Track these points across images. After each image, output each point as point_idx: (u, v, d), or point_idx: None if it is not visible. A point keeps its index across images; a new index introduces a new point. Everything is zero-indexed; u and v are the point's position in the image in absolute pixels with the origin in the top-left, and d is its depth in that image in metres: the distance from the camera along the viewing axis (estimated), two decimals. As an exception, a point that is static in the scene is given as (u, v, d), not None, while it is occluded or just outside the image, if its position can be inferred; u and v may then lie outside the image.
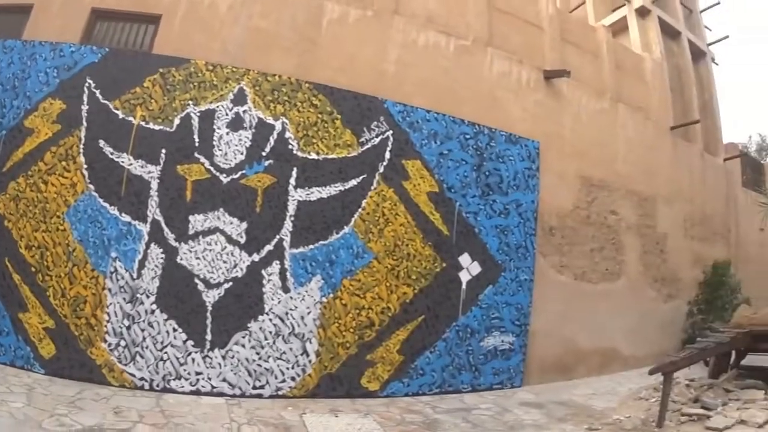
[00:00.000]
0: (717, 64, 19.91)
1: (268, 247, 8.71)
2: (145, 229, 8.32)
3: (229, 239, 8.52)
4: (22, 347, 8.05)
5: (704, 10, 20.42)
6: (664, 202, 14.58)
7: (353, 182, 9.25)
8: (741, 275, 16.43)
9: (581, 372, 11.88)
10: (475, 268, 10.12)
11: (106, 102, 8.54)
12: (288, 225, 8.82)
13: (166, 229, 8.35)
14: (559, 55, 12.59)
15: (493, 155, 10.61)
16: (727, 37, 20.16)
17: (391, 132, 9.60)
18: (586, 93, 12.98)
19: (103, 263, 8.25)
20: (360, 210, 9.25)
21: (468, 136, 10.36)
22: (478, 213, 10.29)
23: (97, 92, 8.57)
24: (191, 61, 8.80)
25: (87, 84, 8.59)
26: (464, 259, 10.02)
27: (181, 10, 9.40)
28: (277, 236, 8.76)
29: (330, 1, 10.09)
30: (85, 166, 8.44)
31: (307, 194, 8.97)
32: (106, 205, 8.35)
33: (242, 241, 8.59)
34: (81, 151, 8.47)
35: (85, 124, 8.52)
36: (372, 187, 9.35)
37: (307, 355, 8.75)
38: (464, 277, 10.00)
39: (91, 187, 8.38)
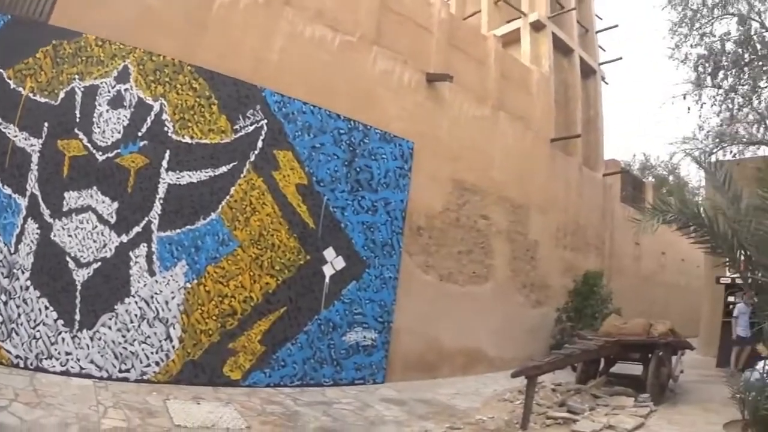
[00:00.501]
0: (607, 83, 20.78)
1: (137, 229, 8.56)
2: (23, 203, 8.00)
3: (101, 218, 8.31)
4: None
5: (601, 31, 21.22)
6: (538, 211, 15.09)
7: (224, 169, 9.18)
8: (614, 286, 17.09)
9: (445, 371, 12.14)
10: (340, 263, 10.22)
11: (0, 70, 8.28)
12: (157, 207, 8.68)
13: (42, 205, 8.07)
14: (444, 59, 12.83)
15: (366, 152, 10.74)
16: (620, 58, 21.08)
17: (265, 121, 9.58)
18: (468, 98, 13.30)
19: None
20: (228, 197, 9.20)
21: (342, 131, 10.46)
22: (345, 208, 10.39)
23: None
24: (82, 35, 8.53)
25: None
26: (329, 253, 10.11)
27: None
28: (146, 218, 8.60)
29: None
30: None
31: (178, 178, 8.84)
32: None
33: (112, 221, 8.39)
34: None
35: None
36: (242, 175, 9.31)
37: (171, 341, 8.64)
38: (328, 271, 10.09)
39: None
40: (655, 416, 9.37)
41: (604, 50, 21.32)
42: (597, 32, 21.10)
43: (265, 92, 9.65)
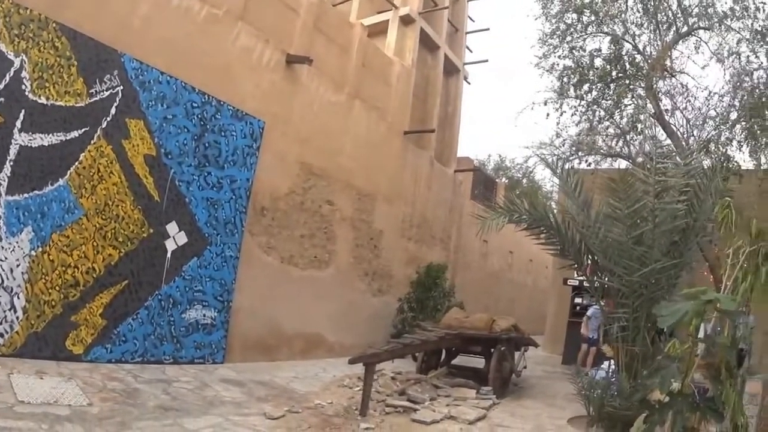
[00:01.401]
0: (469, 83, 21.46)
1: None
2: None
3: None
4: None
5: (471, 32, 21.96)
6: (384, 201, 15.51)
7: (75, 134, 8.88)
8: (460, 281, 17.78)
9: (285, 354, 12.34)
10: (182, 238, 10.18)
11: None
12: (7, 170, 8.26)
13: None
14: (307, 42, 12.94)
15: (216, 128, 10.71)
16: (486, 60, 21.97)
17: (121, 88, 9.36)
18: (325, 83, 13.47)
19: None
20: (77, 163, 8.91)
21: (195, 105, 10.36)
22: (191, 183, 10.33)
23: None
24: None
25: None
26: (172, 227, 10.04)
27: None
28: None
29: None
30: None
31: (30, 140, 8.45)
32: None
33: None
34: None
35: None
36: (92, 142, 9.05)
37: (15, 311, 8.31)
38: (170, 245, 10.03)
39: None
40: (498, 409, 9.84)
41: (471, 51, 22.15)
42: (467, 33, 21.78)
43: (125, 58, 9.41)
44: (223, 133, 10.84)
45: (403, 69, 16.50)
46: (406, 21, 17.67)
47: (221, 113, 10.80)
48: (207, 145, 10.58)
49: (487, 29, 21.96)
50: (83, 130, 8.97)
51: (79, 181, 8.93)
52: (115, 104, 9.32)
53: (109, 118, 9.24)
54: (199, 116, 10.44)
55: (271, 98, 12.00)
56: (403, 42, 17.43)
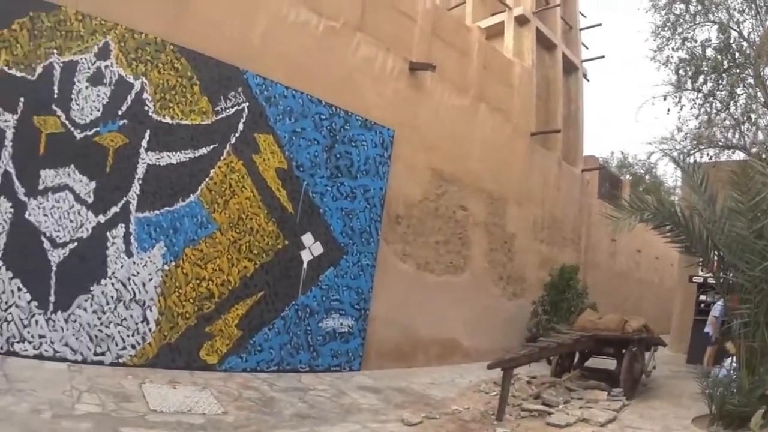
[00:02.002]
0: (588, 80, 20.76)
1: (115, 209, 8.36)
2: None
3: (78, 198, 8.10)
4: None
5: (585, 29, 21.27)
6: (515, 203, 15.09)
7: (204, 150, 9.03)
8: (590, 281, 17.18)
9: (421, 360, 12.12)
10: (318, 249, 10.15)
11: None
12: (136, 188, 8.48)
13: (17, 183, 7.84)
14: (427, 49, 12.75)
15: (346, 138, 10.66)
16: (603, 56, 21.14)
17: (247, 104, 9.45)
18: (449, 89, 13.22)
19: None
20: (207, 179, 9.05)
21: (323, 117, 10.35)
22: (324, 194, 10.31)
23: None
24: (62, 8, 8.29)
25: None
26: (307, 238, 10.03)
27: None
28: (124, 198, 8.41)
29: None
30: None
31: (158, 158, 8.66)
32: None
33: (90, 200, 8.18)
34: None
35: None
36: (221, 158, 9.18)
37: (148, 323, 8.48)
38: (306, 256, 10.01)
39: None
40: (627, 410, 9.40)
41: (587, 48, 21.39)
42: (581, 30, 21.11)
43: (247, 75, 9.50)
44: (353, 144, 10.78)
45: (524, 70, 16.07)
46: (521, 21, 17.26)
47: (350, 124, 10.75)
48: (338, 156, 10.56)
49: (600, 24, 21.29)
50: (212, 146, 9.12)
51: (211, 197, 9.06)
52: (242, 120, 9.42)
53: (237, 134, 9.35)
54: (328, 128, 10.42)
55: (397, 106, 11.86)
56: (520, 43, 17.01)
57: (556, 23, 18.95)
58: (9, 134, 7.78)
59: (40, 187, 7.92)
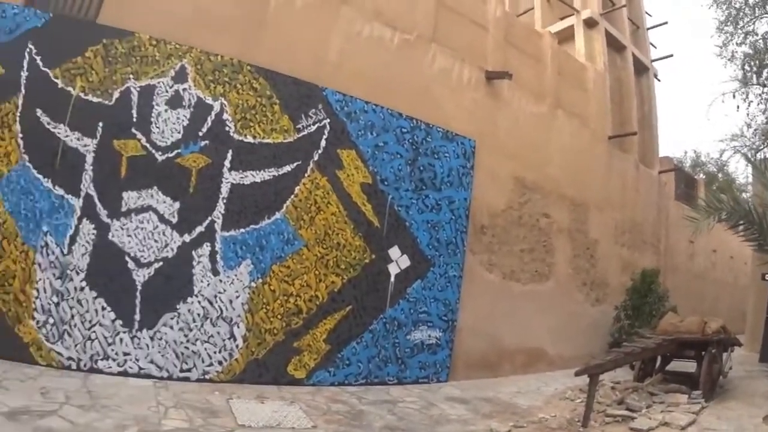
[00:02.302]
0: (659, 80, 20.33)
1: (200, 229, 8.47)
2: (77, 203, 7.92)
3: (162, 218, 8.24)
4: (-62, 323, 7.68)
5: (651, 28, 20.82)
6: (596, 209, 14.81)
7: (287, 168, 9.08)
8: (669, 284, 16.74)
9: (507, 370, 11.96)
10: (405, 262, 10.07)
11: (46, 70, 8.09)
12: (220, 207, 8.59)
13: (99, 205, 8.00)
14: (502, 57, 12.62)
15: (429, 151, 10.57)
16: (671, 55, 20.83)
17: (328, 120, 9.46)
18: (526, 96, 13.06)
19: (33, 237, 7.80)
20: (292, 196, 9.09)
21: (405, 130, 10.29)
22: (410, 207, 10.24)
23: (38, 59, 8.12)
24: (135, 35, 8.47)
25: (28, 49, 8.09)
26: (394, 251, 9.96)
27: None
28: (209, 218, 8.53)
29: None
30: (21, 135, 7.92)
31: (241, 177, 8.75)
32: (40, 176, 7.87)
33: (174, 221, 8.31)
34: (17, 119, 7.96)
35: (23, 91, 7.99)
36: (306, 175, 9.21)
37: (235, 340, 8.56)
38: (393, 269, 9.94)
39: (26, 157, 7.91)
40: (706, 412, 9.26)
41: (655, 47, 20.97)
42: (647, 29, 20.70)
43: (326, 91, 9.52)
44: (436, 156, 10.69)
45: (597, 73, 15.77)
46: (590, 24, 17.00)
47: (431, 136, 10.66)
48: (422, 168, 10.47)
49: (666, 23, 20.78)
50: (295, 164, 9.16)
51: (297, 214, 9.10)
52: (324, 137, 9.45)
53: (320, 151, 9.39)
54: (410, 141, 10.36)
55: (476, 116, 11.76)
56: (591, 46, 16.73)
57: (624, 24, 18.65)
58: (89, 158, 7.99)
59: (123, 209, 8.09)
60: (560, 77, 14.24)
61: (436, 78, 11.18)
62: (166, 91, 8.44)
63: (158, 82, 8.41)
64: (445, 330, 10.59)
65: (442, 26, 11.56)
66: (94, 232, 7.94)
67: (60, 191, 7.85)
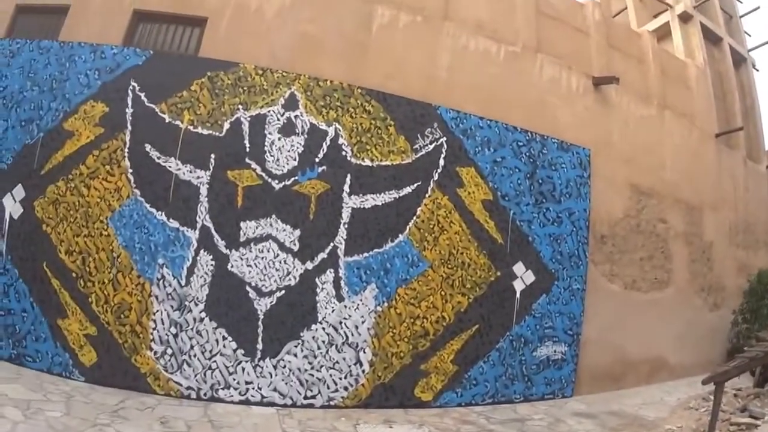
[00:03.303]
0: (758, 70, 19.27)
1: (322, 255, 8.35)
2: (194, 235, 7.96)
3: (282, 246, 8.13)
4: (61, 354, 7.73)
5: (744, 15, 19.76)
6: (710, 210, 14.08)
7: (408, 189, 8.85)
8: (786, 284, 15.78)
9: (630, 381, 11.43)
10: (529, 277, 9.66)
11: (151, 105, 8.21)
12: (342, 232, 8.44)
13: (216, 236, 7.99)
14: (605, 61, 12.12)
15: (546, 163, 10.14)
16: (768, 42, 19.48)
17: (444, 139, 9.20)
18: (633, 99, 12.49)
19: (149, 270, 7.89)
20: (415, 218, 8.85)
21: (521, 144, 9.90)
22: (531, 221, 9.82)
23: (142, 95, 8.24)
24: (240, 65, 8.46)
25: (131, 87, 8.25)
26: (518, 267, 9.58)
27: (228, 14, 9.15)
28: (331, 244, 8.40)
29: (380, 5, 9.76)
30: (131, 171, 8.07)
31: (362, 201, 8.59)
32: (153, 210, 7.99)
33: (295, 248, 8.20)
34: (126, 155, 8.12)
35: (129, 127, 8.17)
36: (426, 195, 8.96)
37: (361, 365, 8.38)
38: (518, 286, 9.56)
39: (137, 191, 8.03)
40: None
41: (749, 35, 19.87)
42: (740, 17, 19.65)
43: (440, 110, 9.28)
44: (553, 167, 10.23)
45: (698, 69, 15.04)
46: (684, 18, 16.19)
47: (547, 148, 10.23)
48: (541, 181, 10.03)
49: (758, 8, 19.65)
50: (415, 185, 8.92)
51: (420, 235, 8.85)
52: (442, 155, 9.18)
53: (439, 170, 9.13)
54: (527, 154, 9.96)
55: (589, 123, 11.28)
56: (688, 41, 15.94)
57: (717, 15, 17.69)
58: (203, 190, 8.06)
59: (242, 239, 8.05)
60: (664, 77, 13.59)
61: (546, 88, 10.79)
62: (278, 119, 8.39)
63: (269, 111, 8.38)
64: (570, 344, 10.14)
65: (545, 35, 11.19)
66: (213, 263, 7.96)
67: (174, 224, 7.95)
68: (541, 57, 10.89)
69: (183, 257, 7.89)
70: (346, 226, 8.43)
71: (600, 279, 10.94)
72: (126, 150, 8.10)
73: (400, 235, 8.70)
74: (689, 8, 16.11)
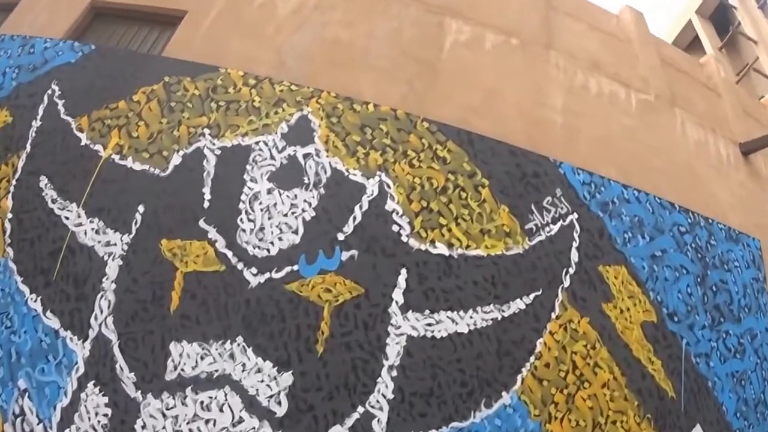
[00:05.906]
0: None
1: None
2: (81, 350, 3.87)
3: (250, 404, 3.78)
4: None
5: None
6: None
7: (519, 304, 4.43)
8: None
9: None
10: (709, 447, 5.11)
11: (67, 119, 4.45)
12: (385, 385, 4.02)
13: (120, 361, 3.84)
14: (744, 127, 7.97)
15: (717, 260, 5.68)
16: None
17: (575, 216, 4.91)
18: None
19: (3, 393, 3.86)
20: (533, 359, 4.36)
21: (683, 230, 5.53)
22: (710, 354, 5.23)
23: (60, 103, 4.54)
24: (219, 70, 4.70)
25: (50, 91, 4.59)
26: (696, 435, 5.06)
27: (218, 6, 5.50)
28: (361, 409, 3.94)
29: (454, 19, 6.03)
30: (9, 216, 4.25)
31: (428, 324, 4.19)
32: (25, 288, 4.05)
33: (279, 412, 3.80)
34: (11, 190, 4.34)
35: (28, 148, 4.43)
36: (553, 315, 4.49)
37: None
38: (696, 468, 5.01)
39: (9, 252, 4.16)
40: None
41: None
42: None
43: (564, 168, 5.08)
44: (726, 267, 5.71)
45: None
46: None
47: (714, 236, 5.80)
48: (714, 289, 5.50)
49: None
50: (532, 295, 4.50)
51: (542, 391, 4.33)
52: (575, 244, 4.79)
53: (571, 270, 4.67)
54: (693, 246, 5.52)
55: (747, 203, 6.92)
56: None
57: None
58: (113, 267, 4.52)
59: (170, 376, 4.12)
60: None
61: (693, 152, 6.67)
62: (272, 157, 4.38)
63: (257, 142, 4.44)
64: None
65: (677, 88, 7.26)
66: (108, 412, 3.85)
67: (53, 322, 4.03)
68: (680, 113, 6.91)
69: (57, 388, 3.81)
70: (394, 372, 4.08)
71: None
72: (14, 182, 4.37)
73: (504, 393, 4.21)
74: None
